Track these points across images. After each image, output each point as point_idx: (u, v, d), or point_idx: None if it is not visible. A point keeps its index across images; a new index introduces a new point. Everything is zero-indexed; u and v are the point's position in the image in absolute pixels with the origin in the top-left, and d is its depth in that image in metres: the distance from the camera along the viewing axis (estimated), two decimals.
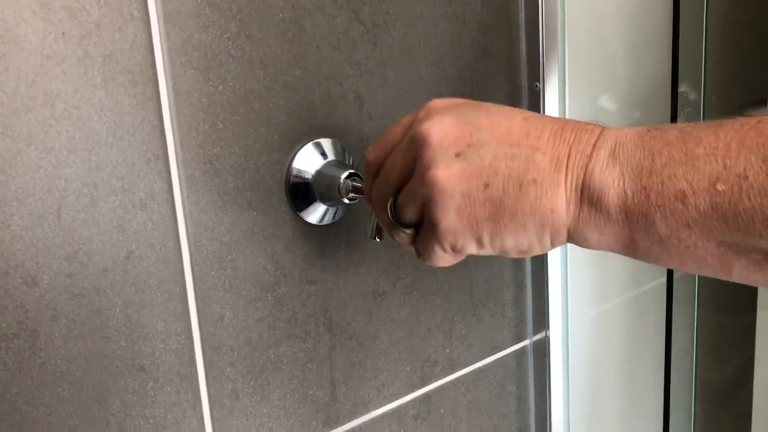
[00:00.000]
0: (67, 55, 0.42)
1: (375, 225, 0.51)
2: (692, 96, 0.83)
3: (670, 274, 0.88)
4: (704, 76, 0.84)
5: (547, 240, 0.40)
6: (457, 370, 0.68)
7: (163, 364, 0.49)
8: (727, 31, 0.86)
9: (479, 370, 0.71)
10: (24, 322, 0.43)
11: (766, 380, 0.94)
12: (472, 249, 0.41)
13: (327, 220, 0.55)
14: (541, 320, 0.74)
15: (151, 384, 0.48)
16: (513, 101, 0.68)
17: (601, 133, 0.38)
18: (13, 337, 0.42)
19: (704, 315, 0.92)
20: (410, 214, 0.42)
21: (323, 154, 0.54)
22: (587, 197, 0.37)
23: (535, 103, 0.68)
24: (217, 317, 0.51)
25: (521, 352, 0.75)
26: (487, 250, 0.41)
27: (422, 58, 0.60)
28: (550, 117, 0.41)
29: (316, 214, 0.55)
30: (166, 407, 0.49)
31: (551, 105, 0.68)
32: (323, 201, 0.54)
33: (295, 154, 0.53)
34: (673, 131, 0.36)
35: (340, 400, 0.59)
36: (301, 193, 0.54)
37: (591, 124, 0.40)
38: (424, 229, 0.42)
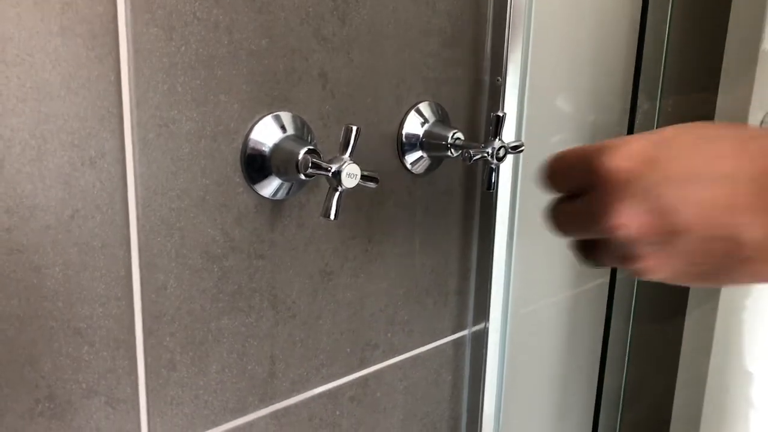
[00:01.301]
0: None
1: (334, 203, 0.50)
2: (646, 105, 0.86)
3: (612, 275, 0.91)
4: (661, 87, 0.87)
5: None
6: (396, 355, 0.69)
7: (101, 329, 0.47)
8: (687, 43, 0.89)
9: (417, 356, 0.71)
10: None
11: (687, 382, 0.98)
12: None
13: (280, 195, 0.55)
14: (482, 312, 0.75)
15: (86, 348, 0.47)
16: (474, 93, 0.68)
17: None
18: None
19: (639, 318, 0.95)
20: (614, 265, 0.42)
21: (282, 128, 0.53)
22: None
23: (495, 97, 0.69)
24: (161, 285, 0.50)
25: (460, 341, 0.76)
26: None
27: (389, 40, 0.59)
28: (746, 160, 0.36)
29: (270, 188, 0.54)
30: (100, 373, 0.48)
31: (510, 101, 0.69)
32: (279, 175, 0.53)
33: (254, 125, 0.52)
34: None
35: (279, 377, 0.59)
36: (257, 165, 0.53)
37: None
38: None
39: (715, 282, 0.39)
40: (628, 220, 0.37)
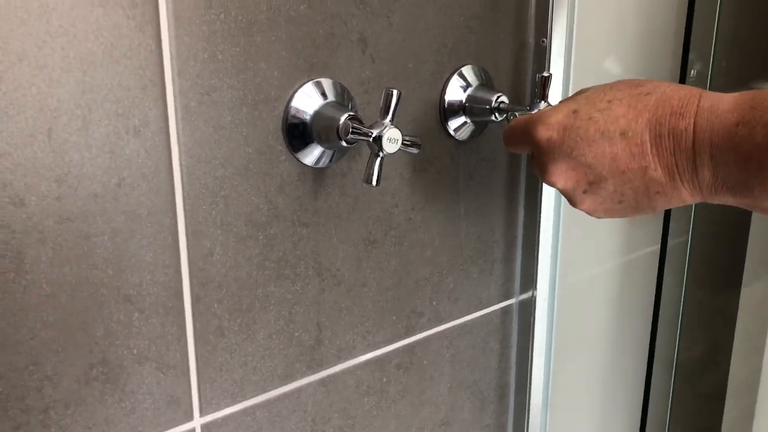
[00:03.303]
0: None
1: (375, 169, 0.50)
2: (699, 66, 0.82)
3: (664, 242, 0.89)
4: (714, 47, 0.83)
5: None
6: (442, 324, 0.69)
7: (150, 296, 0.48)
8: (741, 3, 0.85)
9: (464, 324, 0.71)
10: (10, 242, 0.42)
11: (744, 354, 0.95)
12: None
13: (323, 163, 0.55)
14: (529, 280, 0.74)
15: (136, 315, 0.48)
16: (518, 56, 0.67)
17: (694, 132, 0.43)
18: None
19: (692, 288, 0.92)
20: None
21: (323, 94, 0.53)
22: (706, 190, 0.45)
23: (540, 59, 0.67)
24: (207, 252, 0.50)
25: (507, 310, 0.75)
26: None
27: (430, 3, 0.58)
28: (644, 113, 0.45)
29: (312, 155, 0.54)
30: (150, 339, 0.49)
31: (556, 63, 0.67)
32: (320, 143, 0.53)
33: (295, 92, 0.52)
34: (759, 131, 0.41)
35: (325, 344, 0.59)
36: (298, 133, 0.53)
37: (682, 112, 0.44)
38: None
39: (643, 212, 0.49)
40: (557, 177, 0.49)
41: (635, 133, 0.45)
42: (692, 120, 0.44)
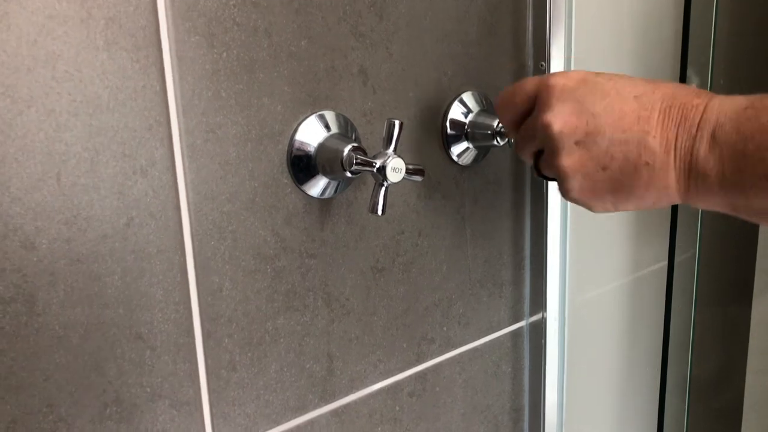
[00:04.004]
0: (69, 16, 0.41)
1: (381, 199, 0.51)
2: (696, 81, 0.83)
3: (671, 258, 0.88)
4: (711, 67, 0.84)
5: (664, 205, 0.47)
6: (454, 349, 0.68)
7: (161, 333, 0.48)
8: (736, 16, 0.85)
9: (475, 349, 0.71)
10: (22, 286, 0.42)
11: (759, 368, 0.94)
12: (600, 210, 0.49)
13: (328, 194, 0.55)
14: (539, 301, 0.74)
15: (148, 353, 0.48)
16: (517, 79, 0.67)
17: (705, 109, 0.43)
18: (10, 301, 0.42)
19: (702, 303, 0.92)
20: (549, 175, 0.51)
21: (326, 127, 0.54)
22: (694, 177, 0.44)
23: None
24: (216, 287, 0.51)
25: (518, 332, 0.75)
26: (613, 211, 0.50)
27: (428, 33, 0.59)
28: (662, 88, 0.46)
29: (317, 187, 0.54)
30: (163, 376, 0.49)
31: None
32: (325, 174, 0.54)
33: (298, 125, 0.53)
34: (766, 114, 0.40)
35: (337, 374, 0.59)
36: (303, 165, 0.53)
37: (698, 94, 0.45)
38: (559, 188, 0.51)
39: (623, 192, 0.47)
40: (558, 117, 0.47)
41: (648, 100, 0.45)
42: (706, 100, 0.44)
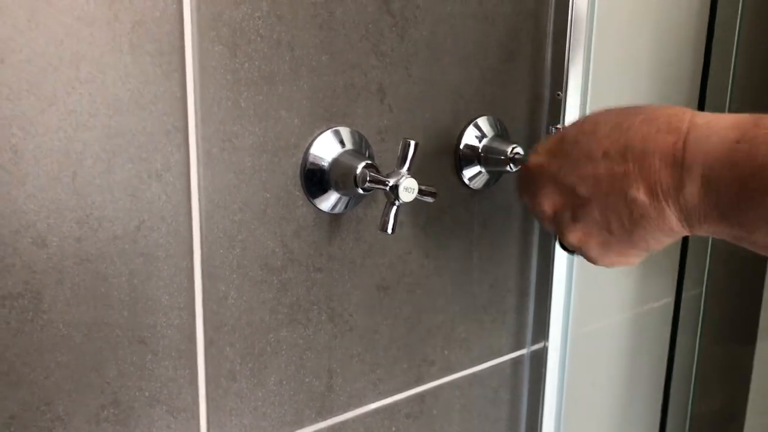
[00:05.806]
0: (97, 18, 0.42)
1: (391, 217, 0.51)
2: None
3: (678, 294, 0.88)
4: (730, 96, 0.84)
5: (679, 238, 0.47)
6: (454, 373, 0.68)
7: (164, 338, 0.48)
8: (757, 54, 0.86)
9: (475, 374, 0.70)
10: (30, 282, 0.42)
11: (760, 410, 0.93)
12: (635, 263, 0.50)
13: (339, 209, 0.55)
14: (541, 330, 0.74)
15: (149, 357, 0.48)
16: (533, 108, 0.68)
17: (684, 147, 0.41)
18: (17, 297, 0.42)
19: (706, 340, 0.91)
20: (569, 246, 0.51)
21: (341, 143, 0.54)
22: (696, 218, 0.42)
23: (555, 112, 0.68)
24: (222, 296, 0.51)
25: (518, 360, 0.74)
26: (647, 256, 0.50)
27: (447, 55, 0.60)
28: (632, 130, 0.44)
29: (328, 201, 0.54)
30: (162, 382, 0.49)
31: (571, 116, 0.68)
32: (337, 189, 0.54)
33: (314, 140, 0.53)
34: (763, 149, 0.38)
35: (336, 390, 0.59)
36: (316, 179, 0.53)
37: (670, 128, 0.42)
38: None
39: (638, 247, 0.47)
40: (543, 200, 0.49)
41: (618, 154, 0.44)
42: (682, 136, 0.41)
